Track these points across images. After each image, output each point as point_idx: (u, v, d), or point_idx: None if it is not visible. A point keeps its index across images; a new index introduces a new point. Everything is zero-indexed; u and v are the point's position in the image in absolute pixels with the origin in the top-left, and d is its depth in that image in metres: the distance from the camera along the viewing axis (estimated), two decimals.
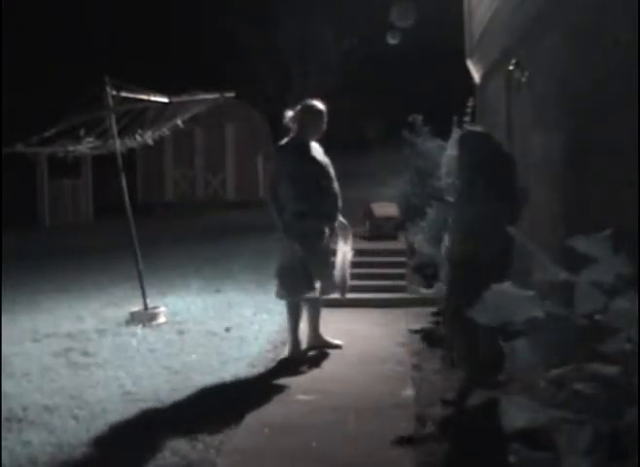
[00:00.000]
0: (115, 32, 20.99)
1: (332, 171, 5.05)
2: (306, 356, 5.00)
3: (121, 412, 3.99)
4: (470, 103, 8.83)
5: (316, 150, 5.06)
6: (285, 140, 5.07)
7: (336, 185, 5.04)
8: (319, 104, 5.08)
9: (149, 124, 7.03)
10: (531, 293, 1.74)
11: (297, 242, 4.85)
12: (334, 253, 5.22)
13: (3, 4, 15.95)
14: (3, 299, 6.92)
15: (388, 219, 9.06)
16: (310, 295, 4.98)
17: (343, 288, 5.21)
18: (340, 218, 5.17)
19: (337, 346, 5.13)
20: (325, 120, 5.07)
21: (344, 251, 5.21)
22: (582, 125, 4.14)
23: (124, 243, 7.17)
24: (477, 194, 4.11)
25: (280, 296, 5.08)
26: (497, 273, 3.84)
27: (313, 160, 4.96)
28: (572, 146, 4.34)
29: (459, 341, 4.18)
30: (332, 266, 5.10)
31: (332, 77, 22.14)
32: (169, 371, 4.74)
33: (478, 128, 4.63)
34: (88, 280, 8.41)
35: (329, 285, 5.08)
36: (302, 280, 4.90)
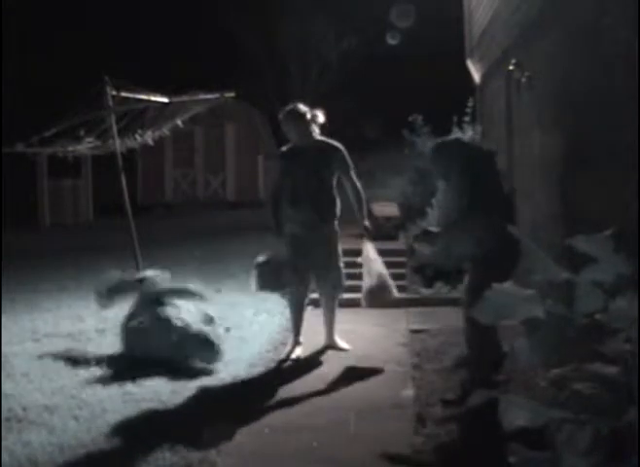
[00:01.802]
0: (115, 32, 20.97)
1: (327, 174, 4.95)
2: (302, 357, 4.98)
3: (121, 412, 3.99)
4: (470, 103, 8.84)
5: (311, 152, 4.95)
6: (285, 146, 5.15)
7: (325, 187, 4.94)
8: (296, 107, 4.98)
9: (149, 124, 7.03)
10: (532, 292, 1.74)
11: (290, 244, 4.93)
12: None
13: (3, 4, 15.94)
14: (3, 299, 6.92)
15: (388, 219, 9.07)
16: (294, 289, 4.98)
17: (386, 290, 5.05)
18: (365, 222, 5.07)
19: (344, 350, 5.10)
20: (304, 120, 4.93)
21: (370, 259, 5.06)
22: (581, 124, 4.14)
23: (124, 243, 7.16)
24: (467, 198, 4.08)
25: (262, 288, 5.11)
26: (505, 272, 3.84)
27: (298, 164, 4.93)
28: (572, 146, 4.34)
29: (473, 339, 4.16)
30: (335, 267, 5.02)
31: (332, 77, 22.12)
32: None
33: (449, 138, 4.61)
34: (87, 280, 8.39)
35: (330, 287, 5.05)
36: (287, 275, 4.92)
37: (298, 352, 4.99)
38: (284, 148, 5.13)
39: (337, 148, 5.03)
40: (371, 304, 5.15)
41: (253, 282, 5.07)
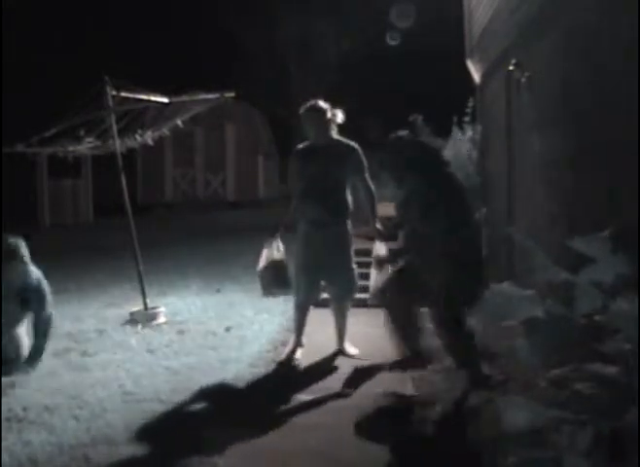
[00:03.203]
0: (115, 32, 20.98)
1: (341, 173, 4.89)
2: (301, 358, 4.98)
3: (121, 412, 3.98)
4: (470, 103, 8.83)
5: (326, 151, 4.89)
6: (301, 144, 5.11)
7: (337, 187, 4.89)
8: (317, 104, 4.93)
9: (149, 124, 7.03)
10: (532, 292, 1.74)
11: (302, 243, 4.93)
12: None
13: (3, 4, 15.94)
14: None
15: (388, 219, 9.06)
16: (303, 290, 4.98)
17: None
18: (377, 225, 5.01)
19: (351, 356, 5.02)
20: (324, 118, 4.87)
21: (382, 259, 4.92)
22: (581, 125, 4.14)
23: (124, 243, 7.17)
24: (427, 199, 4.10)
25: (266, 294, 5.16)
26: (473, 268, 3.87)
27: (313, 162, 4.88)
28: (572, 146, 4.34)
29: (455, 343, 4.18)
30: (347, 268, 4.95)
31: (332, 77, 22.13)
32: (169, 371, 4.73)
33: (401, 134, 4.56)
34: (88, 280, 8.41)
35: (341, 289, 5.00)
36: (293, 275, 4.96)
37: (298, 354, 4.98)
38: (300, 146, 5.07)
39: (353, 148, 4.95)
40: (379, 302, 4.95)
41: (260, 289, 5.16)
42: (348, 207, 4.98)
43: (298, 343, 5.04)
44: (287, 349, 5.07)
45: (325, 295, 5.21)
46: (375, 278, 4.95)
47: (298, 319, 5.08)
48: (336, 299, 5.06)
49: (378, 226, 5.03)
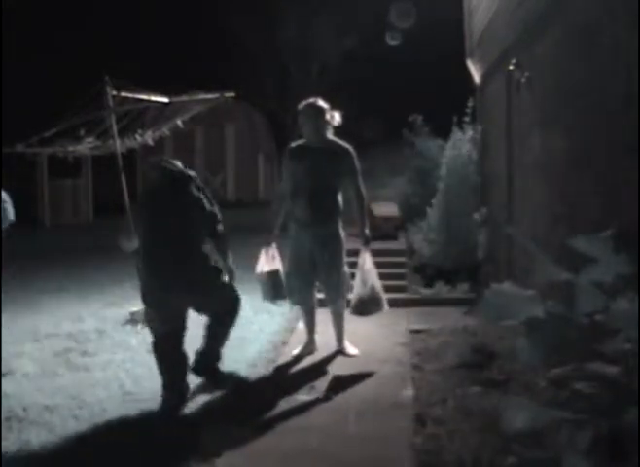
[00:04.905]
0: (115, 32, 20.98)
1: (333, 175, 4.84)
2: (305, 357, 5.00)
3: (121, 412, 3.99)
4: (470, 103, 8.84)
5: (319, 151, 4.84)
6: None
7: (328, 188, 4.83)
8: (316, 102, 4.87)
9: (149, 124, 7.03)
10: (532, 292, 1.74)
11: (292, 245, 4.94)
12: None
13: (3, 4, 15.94)
14: (4, 299, 6.92)
15: (388, 219, 9.08)
16: (298, 294, 5.01)
17: (376, 303, 4.95)
18: (366, 231, 4.93)
19: (351, 356, 5.02)
20: (321, 117, 4.81)
21: (366, 269, 4.91)
22: (581, 124, 4.14)
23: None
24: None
25: (265, 299, 5.23)
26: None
27: (305, 162, 4.83)
28: (572, 146, 4.34)
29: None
30: (337, 274, 4.91)
31: (332, 77, 22.11)
32: None
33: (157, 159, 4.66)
34: (88, 280, 8.40)
35: (332, 291, 4.96)
36: (287, 283, 4.99)
37: (311, 348, 5.06)
38: (293, 144, 5.04)
39: (347, 150, 4.89)
40: (359, 313, 4.99)
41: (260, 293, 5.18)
42: (339, 208, 4.93)
43: (310, 341, 5.09)
44: (299, 348, 5.08)
45: (321, 295, 5.21)
46: (360, 289, 4.91)
47: (305, 320, 5.13)
48: (328, 300, 5.05)
49: (366, 231, 4.96)
